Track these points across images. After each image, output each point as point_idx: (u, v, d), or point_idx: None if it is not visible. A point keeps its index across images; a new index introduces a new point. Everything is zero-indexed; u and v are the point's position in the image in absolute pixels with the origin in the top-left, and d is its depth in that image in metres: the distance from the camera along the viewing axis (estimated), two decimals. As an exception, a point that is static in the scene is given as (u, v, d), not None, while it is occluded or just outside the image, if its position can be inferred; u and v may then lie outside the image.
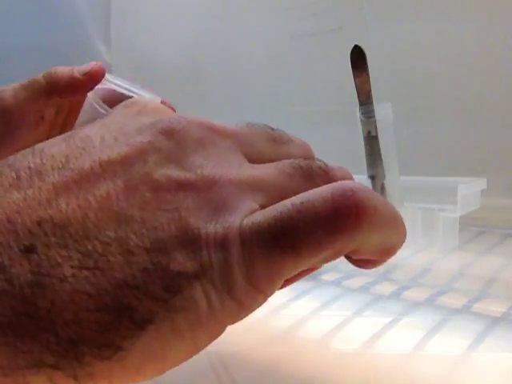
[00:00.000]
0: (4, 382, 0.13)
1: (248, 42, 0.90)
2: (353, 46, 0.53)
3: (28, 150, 0.16)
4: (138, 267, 0.14)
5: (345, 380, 0.29)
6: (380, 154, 0.54)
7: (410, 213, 0.53)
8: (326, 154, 0.81)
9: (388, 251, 0.18)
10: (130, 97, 0.43)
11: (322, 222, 0.15)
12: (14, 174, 0.14)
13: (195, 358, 0.30)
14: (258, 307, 0.16)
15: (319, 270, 0.51)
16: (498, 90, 0.64)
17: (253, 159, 0.18)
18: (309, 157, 0.20)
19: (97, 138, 0.16)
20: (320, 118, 0.80)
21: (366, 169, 0.55)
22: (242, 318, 0.16)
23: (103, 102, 0.41)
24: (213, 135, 0.18)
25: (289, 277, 0.16)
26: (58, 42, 0.88)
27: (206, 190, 0.16)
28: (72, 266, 0.13)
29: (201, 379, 0.30)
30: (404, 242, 0.19)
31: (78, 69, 0.39)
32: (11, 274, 0.13)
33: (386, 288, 0.42)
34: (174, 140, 0.16)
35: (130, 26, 1.03)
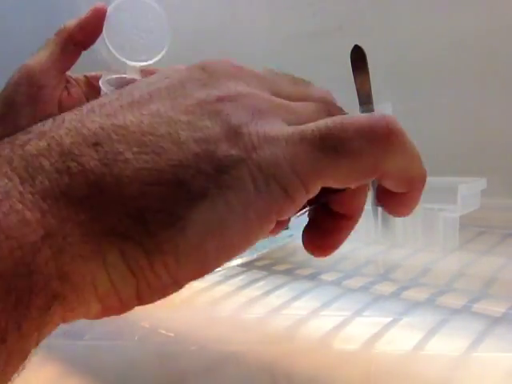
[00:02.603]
0: (84, 248, 0.14)
1: (248, 42, 0.90)
2: (353, 45, 0.53)
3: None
4: (189, 152, 0.16)
5: (345, 380, 0.29)
6: (380, 154, 0.54)
7: (410, 213, 0.53)
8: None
9: (411, 181, 0.20)
10: None
11: (361, 131, 0.17)
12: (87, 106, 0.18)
13: (195, 357, 0.30)
14: (300, 202, 0.17)
15: (319, 269, 0.51)
16: (498, 90, 0.64)
17: (279, 97, 0.20)
18: (329, 100, 0.22)
19: (144, 82, 0.19)
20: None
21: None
22: (286, 212, 0.17)
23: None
24: (243, 73, 0.20)
25: (327, 183, 0.18)
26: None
27: (242, 101, 0.18)
28: (133, 153, 0.15)
29: (201, 379, 0.30)
30: (425, 180, 0.21)
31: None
32: (82, 161, 0.15)
33: (385, 288, 0.42)
34: (209, 72, 0.19)
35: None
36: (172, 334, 0.35)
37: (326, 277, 0.46)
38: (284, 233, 0.47)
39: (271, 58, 0.87)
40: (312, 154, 0.17)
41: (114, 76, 0.43)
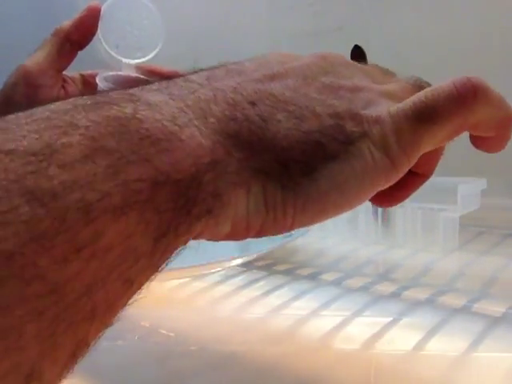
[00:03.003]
0: (237, 177, 0.18)
1: (248, 42, 0.90)
2: (353, 45, 0.53)
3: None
4: (325, 123, 0.19)
5: (345, 380, 0.29)
6: (380, 154, 0.54)
7: (410, 213, 0.53)
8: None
9: (500, 124, 0.23)
10: (146, 80, 0.44)
11: (450, 97, 0.21)
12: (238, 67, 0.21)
13: (195, 357, 0.30)
14: (403, 172, 0.21)
15: (319, 269, 0.51)
16: (498, 90, 0.64)
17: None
18: (416, 79, 0.26)
19: (275, 60, 0.22)
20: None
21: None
22: (392, 180, 0.21)
23: (120, 86, 0.43)
24: (351, 65, 0.24)
25: (426, 149, 0.21)
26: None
27: (357, 92, 0.21)
28: (283, 116, 0.19)
29: (201, 379, 0.30)
30: (511, 115, 0.23)
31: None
32: (246, 113, 0.19)
33: (385, 288, 0.42)
34: (329, 61, 0.23)
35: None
36: (172, 334, 0.35)
37: (326, 277, 0.46)
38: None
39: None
40: (412, 126, 0.20)
41: (111, 73, 0.44)
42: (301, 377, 0.29)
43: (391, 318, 0.35)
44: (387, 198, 0.25)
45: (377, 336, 0.33)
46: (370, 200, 0.24)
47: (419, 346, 0.31)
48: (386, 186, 0.21)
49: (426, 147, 0.21)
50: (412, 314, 0.36)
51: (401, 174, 0.21)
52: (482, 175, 0.56)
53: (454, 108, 0.21)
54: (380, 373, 0.29)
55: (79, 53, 0.46)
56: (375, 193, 0.21)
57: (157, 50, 0.44)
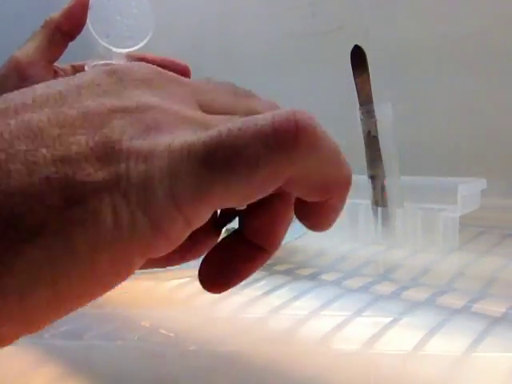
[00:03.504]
0: None
1: (248, 42, 0.90)
2: (353, 45, 0.53)
3: None
4: (39, 176, 0.13)
5: (345, 380, 0.29)
6: (380, 154, 0.54)
7: (409, 213, 0.53)
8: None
9: (327, 187, 0.17)
10: None
11: (262, 135, 0.14)
12: None
13: (195, 357, 0.30)
14: (178, 237, 0.14)
15: (319, 269, 0.51)
16: (499, 90, 0.64)
17: (207, 110, 0.17)
18: None
19: (47, 83, 0.16)
20: (320, 118, 0.80)
21: (365, 169, 0.55)
22: (158, 250, 0.14)
23: None
24: (164, 80, 0.17)
25: (219, 206, 0.15)
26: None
27: (139, 113, 0.15)
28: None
29: (201, 379, 0.30)
30: (347, 183, 0.18)
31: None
32: None
33: (385, 288, 0.42)
34: (116, 77, 0.16)
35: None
36: (172, 334, 0.35)
37: (326, 277, 0.46)
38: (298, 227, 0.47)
39: (271, 58, 0.87)
40: (197, 170, 0.14)
41: (100, 62, 0.44)
42: (301, 377, 0.29)
43: (391, 318, 0.35)
44: (215, 277, 0.19)
45: (377, 336, 0.33)
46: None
47: (419, 345, 0.31)
48: (156, 256, 0.14)
49: (220, 203, 0.14)
50: (412, 314, 0.36)
51: (175, 240, 0.14)
52: (482, 175, 0.56)
53: (263, 150, 0.14)
54: (380, 373, 0.29)
55: (77, 51, 0.46)
56: (137, 267, 0.14)
57: (147, 38, 0.44)
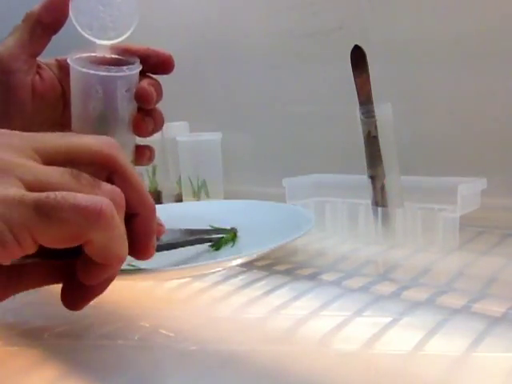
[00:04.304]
0: None
1: (248, 42, 0.90)
2: (353, 46, 0.53)
3: None
4: None
5: (345, 380, 0.29)
6: (380, 154, 0.54)
7: (409, 213, 0.53)
8: (325, 154, 0.82)
9: (108, 257, 0.26)
10: (121, 59, 0.44)
11: (76, 208, 0.23)
12: None
13: (195, 357, 0.30)
14: (12, 251, 0.22)
15: (319, 270, 0.51)
16: (499, 90, 0.64)
17: (43, 155, 0.26)
18: (86, 158, 0.28)
19: None
20: (320, 118, 0.80)
21: (365, 169, 0.55)
22: None
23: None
24: (4, 135, 0.25)
25: (40, 241, 0.23)
26: (57, 39, 0.88)
27: None
28: None
29: (201, 379, 0.30)
30: (120, 259, 0.27)
31: None
32: None
33: (385, 288, 0.42)
34: None
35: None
36: (172, 334, 0.35)
37: (326, 277, 0.46)
38: (307, 223, 0.47)
39: (272, 58, 0.87)
40: (27, 212, 0.22)
41: (84, 55, 0.43)
42: (301, 377, 0.29)
43: (391, 318, 0.35)
44: (71, 300, 0.28)
45: (377, 336, 0.33)
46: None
47: (419, 345, 0.31)
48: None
49: (41, 239, 0.23)
50: (412, 314, 0.36)
51: (10, 252, 0.22)
52: (482, 175, 0.56)
53: (73, 216, 0.23)
54: (380, 373, 0.29)
55: (60, 36, 0.45)
56: None
57: (131, 29, 0.43)
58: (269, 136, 0.89)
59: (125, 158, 0.28)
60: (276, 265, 0.50)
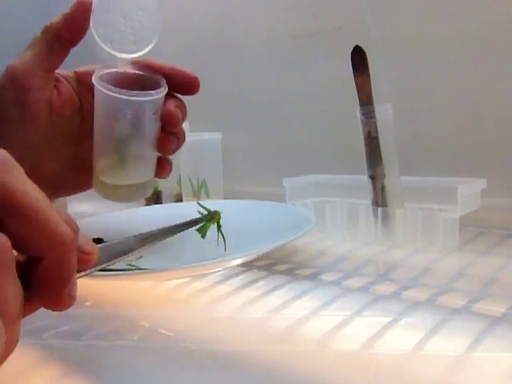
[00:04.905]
0: None
1: (248, 42, 0.90)
2: (353, 46, 0.53)
3: None
4: None
5: (345, 380, 0.29)
6: (380, 155, 0.54)
7: (409, 213, 0.53)
8: (326, 154, 0.82)
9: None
10: (144, 76, 0.43)
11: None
12: None
13: (195, 357, 0.30)
14: None
15: (319, 270, 0.51)
16: (499, 90, 0.64)
17: None
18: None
19: None
20: (320, 118, 0.80)
21: (366, 169, 0.55)
22: None
23: (119, 85, 0.41)
24: None
25: None
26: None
27: None
28: None
29: (201, 379, 0.30)
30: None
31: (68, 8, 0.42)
32: None
33: (385, 288, 0.42)
34: None
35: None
36: (172, 334, 0.35)
37: (326, 277, 0.46)
38: (307, 223, 0.47)
39: (272, 57, 0.87)
40: None
41: (106, 71, 0.43)
42: (301, 377, 0.29)
43: (391, 318, 0.35)
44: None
45: (377, 336, 0.33)
46: None
47: (419, 345, 0.31)
48: None
49: None
50: (412, 314, 0.36)
51: None
52: (482, 175, 0.56)
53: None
54: (380, 373, 0.29)
55: (78, 50, 0.44)
56: None
57: (153, 42, 0.42)
58: (269, 136, 0.89)
59: (20, 180, 0.21)
60: (276, 265, 0.50)
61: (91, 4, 0.41)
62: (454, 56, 0.66)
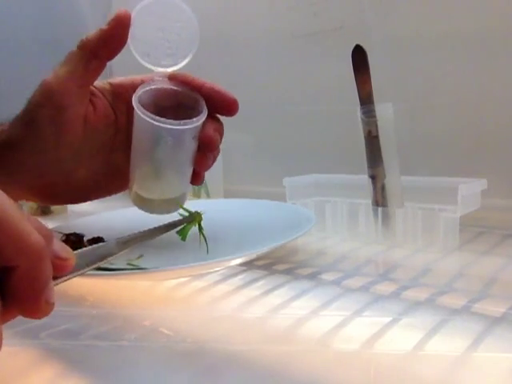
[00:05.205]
0: None
1: (249, 42, 0.90)
2: (354, 45, 0.53)
3: None
4: None
5: (345, 380, 0.29)
6: (380, 154, 0.54)
7: (410, 213, 0.53)
8: (326, 153, 0.82)
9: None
10: (182, 94, 0.43)
11: None
12: None
13: (195, 356, 0.30)
14: None
15: (319, 269, 0.51)
16: (498, 90, 0.64)
17: None
18: None
19: None
20: (320, 117, 0.80)
21: (366, 169, 0.55)
22: None
23: (156, 101, 0.42)
24: None
25: None
26: (58, 38, 0.88)
27: None
28: None
29: (200, 378, 0.30)
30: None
31: (105, 23, 0.40)
32: None
33: (385, 288, 0.42)
34: None
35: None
36: (172, 334, 0.35)
37: (326, 277, 0.46)
38: (307, 222, 0.47)
39: (271, 58, 0.87)
40: None
41: (145, 89, 0.42)
42: (300, 376, 0.29)
43: (391, 318, 0.35)
44: None
45: (377, 336, 0.33)
46: None
47: (419, 346, 0.31)
48: None
49: None
50: (412, 314, 0.36)
51: None
52: (482, 175, 0.56)
53: None
54: (380, 373, 0.29)
55: None
56: None
57: (191, 55, 0.41)
58: (269, 136, 0.89)
59: None
60: (276, 264, 0.50)
61: (130, 19, 0.39)
62: (454, 56, 0.66)
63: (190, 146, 0.42)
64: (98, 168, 0.45)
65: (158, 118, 0.40)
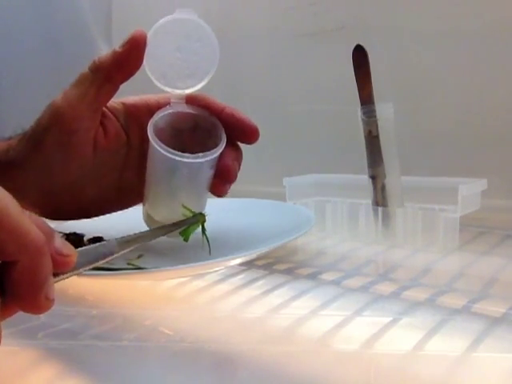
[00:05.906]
0: None
1: (249, 41, 0.90)
2: (355, 45, 0.53)
3: None
4: None
5: (344, 380, 0.29)
6: (381, 154, 0.54)
7: (410, 213, 0.53)
8: (326, 153, 0.82)
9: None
10: (202, 116, 0.42)
11: None
12: None
13: (195, 356, 0.30)
14: None
15: (319, 269, 0.51)
16: (499, 90, 0.64)
17: None
18: None
19: None
20: (320, 117, 0.80)
21: (366, 169, 0.55)
22: None
23: (173, 124, 0.40)
24: None
25: None
26: (59, 39, 0.88)
27: None
28: None
29: (200, 378, 0.30)
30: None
31: (119, 45, 0.38)
32: None
33: (385, 288, 0.42)
34: None
35: (131, 23, 1.03)
36: (172, 333, 0.35)
37: (326, 276, 0.46)
38: (307, 222, 0.47)
39: (272, 58, 0.87)
40: None
41: (160, 114, 0.40)
42: (300, 377, 0.29)
43: (391, 318, 0.35)
44: None
45: (377, 336, 0.33)
46: None
47: (419, 345, 0.31)
48: None
49: None
50: (412, 314, 0.36)
51: None
52: (482, 175, 0.56)
53: None
54: (380, 373, 0.29)
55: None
56: None
57: (211, 74, 0.39)
58: (269, 135, 0.89)
59: None
60: (276, 264, 0.50)
61: (146, 41, 0.37)
62: (454, 56, 0.66)
63: (207, 175, 0.41)
64: (109, 186, 0.44)
65: (173, 151, 0.38)
